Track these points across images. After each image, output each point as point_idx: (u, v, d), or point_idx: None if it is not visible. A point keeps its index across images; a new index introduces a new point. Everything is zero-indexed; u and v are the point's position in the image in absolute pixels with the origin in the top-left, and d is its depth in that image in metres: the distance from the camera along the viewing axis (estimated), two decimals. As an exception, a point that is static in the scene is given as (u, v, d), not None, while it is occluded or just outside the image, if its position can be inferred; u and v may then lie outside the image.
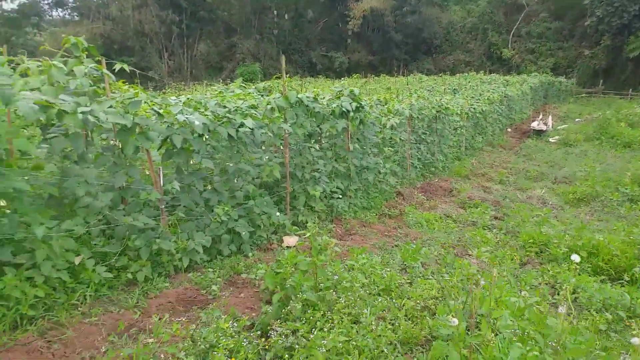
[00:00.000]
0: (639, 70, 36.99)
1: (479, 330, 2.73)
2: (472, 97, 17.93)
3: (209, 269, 4.90)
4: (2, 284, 3.35)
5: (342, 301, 3.62)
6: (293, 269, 3.94)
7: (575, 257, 2.81)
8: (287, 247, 5.99)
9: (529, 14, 47.62)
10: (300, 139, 7.18)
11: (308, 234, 3.86)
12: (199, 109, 5.36)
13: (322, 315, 3.46)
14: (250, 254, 5.47)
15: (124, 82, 5.51)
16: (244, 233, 5.45)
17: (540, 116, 23.28)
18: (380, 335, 3.32)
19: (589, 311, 4.48)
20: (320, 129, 7.39)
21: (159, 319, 3.60)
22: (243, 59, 45.89)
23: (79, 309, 3.78)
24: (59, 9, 51.14)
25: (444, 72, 38.03)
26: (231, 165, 5.71)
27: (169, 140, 4.77)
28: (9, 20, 45.87)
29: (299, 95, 6.62)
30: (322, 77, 34.35)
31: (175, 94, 19.48)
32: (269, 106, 6.22)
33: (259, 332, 3.46)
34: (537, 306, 3.10)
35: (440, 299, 4.54)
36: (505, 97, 21.09)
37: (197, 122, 4.75)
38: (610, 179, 11.28)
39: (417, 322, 3.86)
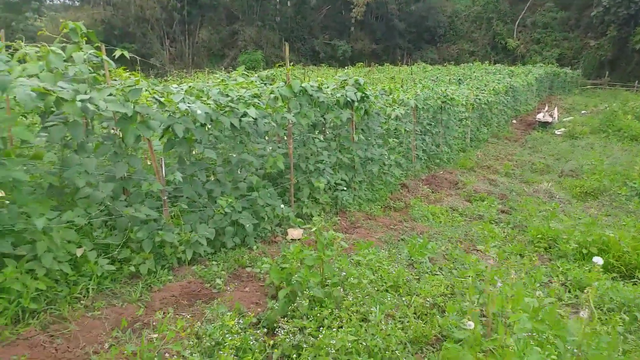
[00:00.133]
0: (645, 62, 36.65)
1: (495, 333, 2.63)
2: (478, 87, 17.73)
3: (213, 262, 4.80)
4: (3, 276, 3.25)
5: (350, 298, 3.51)
6: (299, 264, 3.83)
7: (598, 260, 2.69)
8: (291, 239, 5.88)
9: (534, 4, 47.10)
10: (304, 130, 7.04)
11: (314, 229, 3.74)
12: (201, 97, 5.22)
13: (330, 313, 3.36)
14: (254, 247, 5.37)
15: (125, 69, 5.37)
16: (247, 225, 5.34)
17: (546, 108, 23.04)
18: (389, 335, 3.22)
19: (602, 310, 4.37)
20: (324, 119, 7.24)
21: (163, 313, 3.50)
22: (245, 46, 45.49)
23: (82, 302, 3.68)
24: (60, -6, 50.69)
25: (448, 62, 37.66)
26: (234, 155, 5.59)
27: (170, 129, 4.64)
28: (9, 5, 45.41)
29: (303, 85, 6.46)
30: (325, 66, 34.08)
31: (177, 81, 19.29)
32: (272, 95, 6.08)
33: (265, 330, 3.36)
34: (553, 307, 3.00)
35: (449, 296, 4.44)
36: (510, 88, 20.87)
37: (199, 111, 4.61)
38: (618, 173, 11.13)
39: (426, 320, 3.76)
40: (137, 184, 4.61)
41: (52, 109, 4.08)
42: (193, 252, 4.72)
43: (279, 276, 3.83)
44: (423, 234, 6.65)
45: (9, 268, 3.33)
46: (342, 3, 49.46)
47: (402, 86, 12.44)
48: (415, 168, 10.68)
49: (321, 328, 3.18)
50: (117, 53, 4.74)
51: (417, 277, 4.69)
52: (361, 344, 3.06)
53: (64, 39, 4.43)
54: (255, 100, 5.74)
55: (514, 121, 21.56)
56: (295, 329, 3.22)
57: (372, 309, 3.49)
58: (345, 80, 7.55)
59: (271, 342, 3.17)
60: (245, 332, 3.14)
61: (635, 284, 5.15)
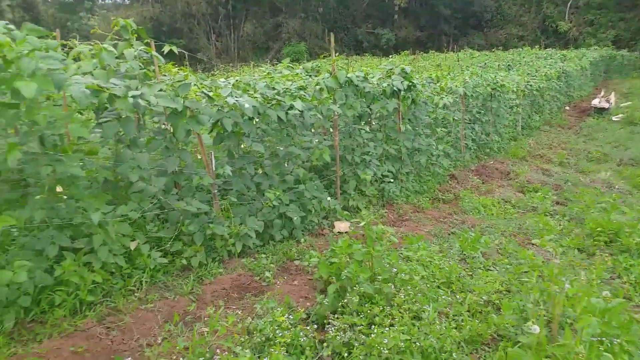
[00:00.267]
0: None
1: (560, 337, 2.46)
2: (528, 73, 16.97)
3: (262, 255, 4.82)
4: (62, 269, 3.37)
5: (402, 295, 3.41)
6: (348, 259, 3.76)
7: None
8: (338, 232, 5.82)
9: (588, -17, 44.45)
10: (350, 121, 6.93)
11: (363, 223, 3.66)
12: (248, 91, 5.23)
13: (381, 310, 3.27)
14: (302, 240, 5.35)
15: (174, 65, 5.44)
16: (295, 218, 5.32)
17: (602, 93, 21.78)
18: (443, 334, 3.10)
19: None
20: (370, 109, 7.10)
21: (214, 307, 3.54)
22: (289, 38, 45.58)
23: (136, 294, 3.78)
24: (111, -7, 52.56)
25: (495, 48, 36.28)
26: (281, 148, 5.57)
27: (219, 123, 4.66)
28: (64, 6, 47.60)
29: (349, 75, 6.35)
30: (369, 55, 33.64)
31: (224, 75, 19.59)
32: (317, 87, 6.00)
33: (315, 326, 3.32)
34: (622, 308, 2.79)
35: (505, 293, 4.25)
36: (563, 73, 19.85)
37: (247, 105, 4.61)
38: (683, 161, 10.36)
39: (481, 319, 3.60)
40: (188, 177, 4.67)
41: (106, 105, 4.19)
42: (242, 245, 4.75)
43: (328, 271, 3.78)
44: (474, 227, 6.42)
45: (68, 261, 3.45)
46: (386, -10, 48.59)
47: (449, 74, 12.06)
48: (465, 158, 10.35)
49: (372, 326, 3.10)
50: (166, 49, 4.80)
51: (470, 273, 4.51)
52: (414, 343, 2.96)
53: (116, 36, 4.53)
54: (301, 92, 5.69)
55: (567, 108, 20.53)
56: (345, 325, 3.16)
57: (424, 307, 3.38)
58: (392, 69, 7.37)
59: (321, 339, 3.12)
60: (295, 328, 3.12)
61: None
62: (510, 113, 13.32)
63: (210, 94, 4.65)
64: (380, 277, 3.60)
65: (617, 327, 2.60)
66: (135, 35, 4.51)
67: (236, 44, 46.17)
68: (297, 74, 7.13)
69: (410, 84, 7.22)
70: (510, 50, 34.68)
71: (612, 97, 20.10)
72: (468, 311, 3.72)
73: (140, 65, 4.36)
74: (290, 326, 3.15)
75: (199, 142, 4.65)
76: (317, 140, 6.10)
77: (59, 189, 3.49)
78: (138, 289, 3.85)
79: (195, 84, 4.69)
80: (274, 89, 5.44)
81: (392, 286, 3.55)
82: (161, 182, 4.25)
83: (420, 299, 3.46)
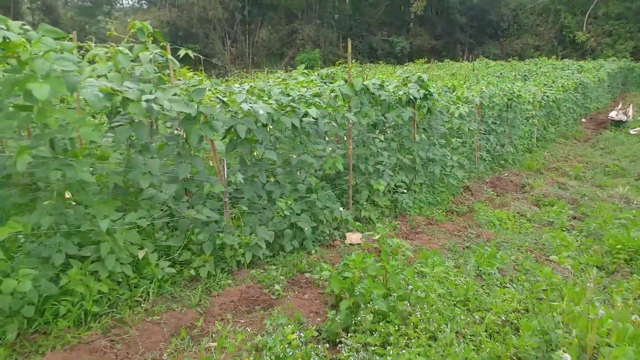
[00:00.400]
0: None
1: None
2: (545, 84, 16.72)
3: (272, 266, 4.70)
4: (67, 278, 3.28)
5: (418, 314, 3.27)
6: (361, 274, 3.64)
7: None
8: (349, 244, 5.70)
9: (607, -7, 43.92)
10: (364, 129, 6.82)
11: (377, 236, 3.53)
12: (262, 97, 5.14)
13: (397, 329, 3.14)
14: (312, 251, 5.23)
15: (188, 69, 5.39)
16: (306, 228, 5.21)
17: (619, 105, 21.42)
18: (462, 357, 2.95)
19: None
20: (385, 118, 6.99)
21: (222, 320, 3.43)
22: (303, 45, 45.65)
23: (142, 305, 3.68)
24: (129, -2, 53.20)
25: (511, 57, 35.93)
26: (294, 156, 5.47)
27: (233, 130, 4.58)
28: (83, 10, 48.30)
29: (365, 82, 6.24)
30: (383, 63, 33.51)
31: (238, 81, 19.58)
32: (332, 94, 5.91)
33: (326, 345, 3.19)
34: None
35: (523, 312, 4.09)
36: (580, 84, 19.56)
37: (261, 112, 4.52)
38: None
39: (499, 340, 3.45)
40: (199, 185, 4.59)
41: (119, 109, 4.13)
42: (252, 255, 4.65)
43: (340, 285, 3.66)
44: (490, 241, 6.26)
45: (74, 269, 3.36)
46: (402, -2, 48.50)
47: (465, 83, 11.90)
48: (479, 169, 10.17)
49: (387, 346, 2.97)
50: (182, 52, 4.74)
51: (487, 290, 4.36)
52: (432, 366, 2.82)
53: (132, 39, 4.48)
54: (316, 99, 5.59)
55: (584, 120, 20.20)
56: (358, 345, 3.04)
57: (441, 326, 3.24)
58: (408, 77, 7.26)
59: (333, 358, 3.00)
60: (306, 346, 3.00)
61: None
62: (526, 124, 13.11)
63: (225, 99, 4.57)
64: (394, 293, 3.47)
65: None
66: (152, 38, 4.45)
67: (251, 49, 46.34)
68: (312, 80, 7.04)
69: (427, 92, 7.10)
70: (526, 60, 34.33)
71: (630, 110, 19.74)
72: (485, 331, 3.58)
73: (155, 69, 4.30)
74: (301, 344, 3.03)
75: (212, 148, 4.57)
76: (330, 149, 5.99)
77: (67, 194, 3.41)
78: (145, 299, 3.76)
79: (209, 89, 4.61)
80: (288, 95, 5.35)
81: (408, 304, 3.41)
82: (172, 189, 4.17)
83: (436, 317, 3.32)
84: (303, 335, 3.15)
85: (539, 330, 3.48)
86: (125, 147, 4.30)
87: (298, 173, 5.61)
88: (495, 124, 10.99)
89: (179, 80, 4.77)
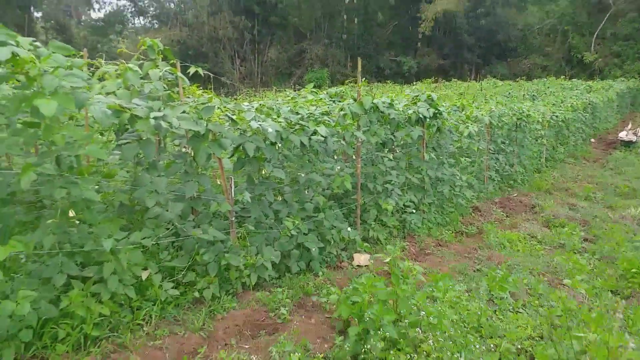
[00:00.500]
0: None
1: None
2: (554, 103, 16.66)
3: (278, 288, 4.59)
4: (68, 300, 3.19)
5: (430, 342, 3.15)
6: (370, 298, 3.52)
7: None
8: (357, 265, 5.58)
9: (615, 14, 44.02)
10: (373, 148, 6.76)
11: (388, 259, 3.43)
12: (271, 115, 5.11)
13: (409, 358, 3.01)
14: (319, 273, 5.11)
15: (198, 87, 5.38)
16: (313, 249, 5.11)
17: (629, 126, 21.25)
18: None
19: None
20: (394, 136, 6.93)
21: (226, 345, 3.31)
22: (311, 64, 46.04)
23: (144, 329, 3.57)
24: (141, 17, 54.12)
25: (519, 77, 35.96)
26: (302, 175, 5.40)
27: (241, 148, 4.53)
28: (96, 29, 49.22)
29: (375, 101, 6.20)
30: (390, 82, 33.63)
31: (247, 100, 19.63)
32: (341, 112, 5.86)
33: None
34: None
35: (537, 339, 3.95)
36: (589, 104, 19.46)
37: (270, 130, 4.47)
38: None
39: (515, 370, 3.31)
40: (206, 203, 4.52)
41: (127, 126, 4.09)
42: (258, 277, 4.54)
43: (349, 311, 3.54)
44: (501, 264, 6.11)
45: (75, 291, 3.26)
46: (410, 18, 48.85)
47: (473, 102, 11.86)
48: (488, 190, 10.05)
49: (398, 376, 2.85)
50: (192, 70, 4.73)
51: (501, 316, 4.21)
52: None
53: (142, 57, 4.48)
54: (325, 117, 5.55)
55: (593, 140, 20.05)
56: (368, 374, 2.92)
57: (454, 355, 3.11)
58: (417, 96, 7.22)
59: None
60: (313, 375, 2.88)
61: None
62: (535, 144, 13.01)
63: (234, 117, 4.53)
64: (406, 319, 3.34)
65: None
66: (162, 55, 4.45)
67: (260, 68, 46.78)
68: (321, 99, 7.02)
69: (436, 111, 7.05)
70: (534, 80, 34.33)
71: (640, 131, 19.58)
72: (500, 360, 3.44)
73: (164, 87, 4.28)
74: (307, 372, 2.91)
75: (220, 166, 4.51)
76: (339, 167, 5.92)
77: (71, 213, 3.35)
78: (147, 322, 3.64)
79: (218, 107, 4.58)
80: (297, 113, 5.31)
81: (419, 330, 3.28)
82: (178, 208, 4.10)
83: (449, 346, 3.19)
84: (310, 363, 3.03)
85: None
86: (132, 165, 4.25)
87: (306, 192, 5.53)
88: (504, 143, 10.90)
89: (188, 98, 4.75)
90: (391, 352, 3.08)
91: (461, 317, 3.84)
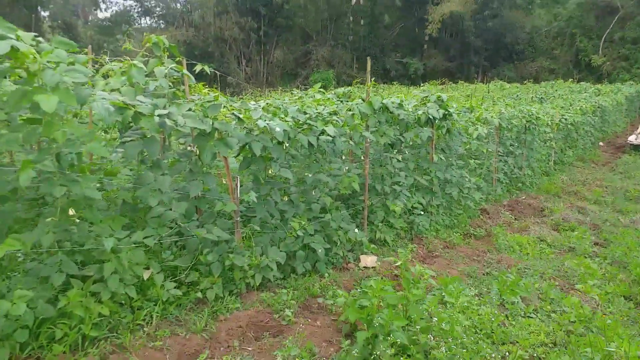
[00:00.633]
0: None
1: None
2: (562, 106, 16.48)
3: (283, 289, 4.48)
4: (67, 299, 3.09)
5: (443, 349, 3.03)
6: (379, 302, 3.41)
7: None
8: (364, 267, 5.47)
9: (623, 17, 43.69)
10: (381, 149, 6.65)
11: (399, 262, 3.32)
12: (278, 114, 5.01)
13: (419, 366, 2.90)
14: (325, 274, 5.00)
15: (204, 86, 5.29)
16: (320, 250, 5.00)
17: (639, 129, 21.02)
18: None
19: None
20: (403, 137, 6.81)
21: (228, 347, 3.21)
22: (317, 65, 45.97)
23: (144, 329, 3.46)
24: (147, 17, 54.22)
25: (526, 80, 35.72)
26: (310, 175, 5.30)
27: (247, 147, 4.43)
28: (102, 28, 49.42)
29: (384, 101, 6.10)
30: (396, 84, 33.49)
31: (253, 99, 19.49)
32: (350, 112, 5.76)
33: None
34: None
35: (551, 346, 3.82)
36: (598, 107, 19.26)
37: (277, 129, 4.37)
38: None
39: (529, 379, 3.19)
40: (211, 203, 4.42)
41: (131, 124, 4.01)
42: (262, 277, 4.43)
43: (357, 315, 3.42)
44: (511, 267, 5.98)
45: (74, 290, 3.17)
46: (416, 20, 48.67)
47: (482, 104, 11.72)
48: (496, 192, 9.91)
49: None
50: (198, 68, 4.65)
51: (512, 322, 4.09)
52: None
53: (147, 54, 4.40)
54: (334, 117, 5.44)
55: (601, 143, 19.84)
56: (377, 381, 2.80)
57: (467, 363, 2.99)
58: (427, 96, 7.10)
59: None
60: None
61: None
62: (544, 147, 12.86)
63: (241, 116, 4.43)
64: (417, 325, 3.22)
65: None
66: (167, 53, 4.36)
67: (265, 69, 46.76)
68: (329, 98, 6.92)
69: (446, 112, 6.93)
70: (541, 82, 34.09)
71: (650, 135, 19.36)
72: (512, 368, 3.32)
73: (170, 84, 4.19)
74: (314, 379, 2.80)
75: (225, 165, 4.42)
76: (347, 168, 5.81)
77: (71, 211, 3.25)
78: (147, 323, 3.54)
79: (225, 106, 4.49)
80: (305, 113, 5.21)
81: (431, 337, 3.16)
82: (182, 207, 4.00)
83: (462, 353, 3.07)
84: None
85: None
86: (135, 163, 4.16)
87: (313, 192, 5.43)
88: (513, 146, 10.76)
89: (194, 96, 4.66)
90: (401, 358, 2.97)
91: (472, 322, 3.72)
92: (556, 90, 25.15)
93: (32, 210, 3.63)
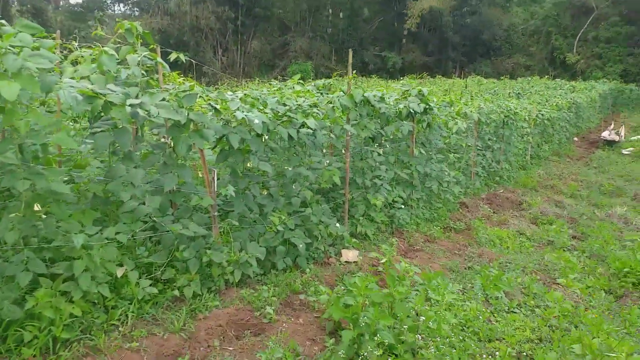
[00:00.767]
0: None
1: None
2: (539, 102, 16.72)
3: (263, 286, 4.34)
4: (35, 300, 2.89)
5: (432, 349, 2.94)
6: (364, 301, 3.31)
7: None
8: (345, 262, 5.37)
9: (597, 17, 44.67)
10: (361, 142, 6.55)
11: (384, 259, 3.22)
12: (257, 106, 4.84)
13: (406, 365, 2.81)
14: (306, 269, 4.87)
15: (179, 75, 5.07)
16: (300, 245, 4.87)
17: (612, 126, 21.53)
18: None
19: None
20: (384, 131, 6.72)
21: (208, 347, 3.06)
22: (295, 57, 45.57)
23: (119, 330, 3.29)
24: (121, 4, 52.77)
25: (503, 76, 36.22)
26: (290, 169, 5.15)
27: (224, 139, 4.26)
28: (74, 14, 47.89)
29: (365, 94, 5.99)
30: (375, 77, 33.46)
31: (230, 89, 19.10)
32: (330, 105, 5.62)
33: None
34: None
35: (536, 342, 3.79)
36: (573, 103, 19.63)
37: (256, 121, 4.21)
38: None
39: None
40: (186, 197, 4.24)
41: (101, 113, 3.79)
42: (242, 274, 4.27)
43: (342, 314, 3.31)
44: (492, 261, 5.97)
45: (43, 290, 2.96)
46: (396, 15, 48.70)
47: (461, 99, 11.75)
48: (475, 186, 9.95)
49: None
50: (173, 56, 4.43)
51: (498, 318, 4.05)
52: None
53: (119, 40, 4.17)
54: (314, 110, 5.30)
55: (576, 139, 20.24)
56: (363, 383, 2.70)
57: (454, 362, 2.91)
58: (408, 90, 7.02)
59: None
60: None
61: None
62: (521, 141, 13.01)
63: (218, 106, 4.25)
64: (405, 324, 3.13)
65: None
66: (141, 40, 4.14)
67: (242, 59, 46.10)
68: (309, 91, 6.77)
69: (427, 106, 6.87)
70: (518, 79, 34.60)
71: (623, 130, 19.85)
72: (498, 365, 3.27)
73: (143, 73, 3.97)
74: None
75: (201, 158, 4.23)
76: (327, 161, 5.69)
77: (37, 206, 3.04)
78: (123, 323, 3.36)
79: (201, 96, 4.29)
80: (285, 105, 5.05)
81: (419, 336, 3.08)
82: (156, 202, 3.80)
83: (451, 353, 2.99)
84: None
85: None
86: (106, 155, 3.94)
87: (293, 186, 5.29)
88: (492, 140, 10.83)
89: (169, 85, 4.45)
90: (389, 358, 2.88)
91: (459, 319, 3.65)
92: (532, 87, 25.55)
93: (-2, 203, 3.39)
